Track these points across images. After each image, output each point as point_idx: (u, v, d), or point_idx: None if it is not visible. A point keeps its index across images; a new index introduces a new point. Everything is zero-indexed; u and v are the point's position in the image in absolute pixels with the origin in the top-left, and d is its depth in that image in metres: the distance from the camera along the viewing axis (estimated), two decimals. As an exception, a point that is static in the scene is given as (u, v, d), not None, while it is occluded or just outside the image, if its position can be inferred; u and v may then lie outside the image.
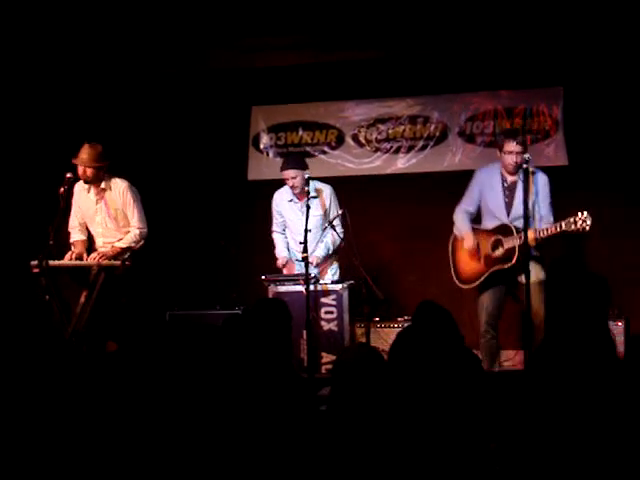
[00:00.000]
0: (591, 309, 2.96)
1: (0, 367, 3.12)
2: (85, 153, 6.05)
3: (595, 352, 2.89)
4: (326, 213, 6.36)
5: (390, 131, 7.86)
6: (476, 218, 6.03)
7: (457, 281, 6.02)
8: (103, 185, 6.17)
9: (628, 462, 2.58)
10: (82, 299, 5.87)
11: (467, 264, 5.94)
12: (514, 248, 5.60)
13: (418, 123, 7.80)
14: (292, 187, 6.32)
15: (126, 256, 6.08)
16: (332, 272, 6.47)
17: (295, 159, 6.46)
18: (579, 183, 6.83)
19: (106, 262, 5.95)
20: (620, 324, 6.12)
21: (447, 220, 7.12)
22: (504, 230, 5.70)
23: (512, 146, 5.69)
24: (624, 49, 7.03)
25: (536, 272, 5.54)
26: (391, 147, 7.86)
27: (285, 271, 6.48)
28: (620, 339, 5.97)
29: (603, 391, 2.74)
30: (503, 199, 5.77)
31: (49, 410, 3.01)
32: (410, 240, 7.65)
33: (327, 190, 6.41)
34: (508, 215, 5.75)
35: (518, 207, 5.62)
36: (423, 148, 7.77)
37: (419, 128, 7.80)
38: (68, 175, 5.97)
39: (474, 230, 5.92)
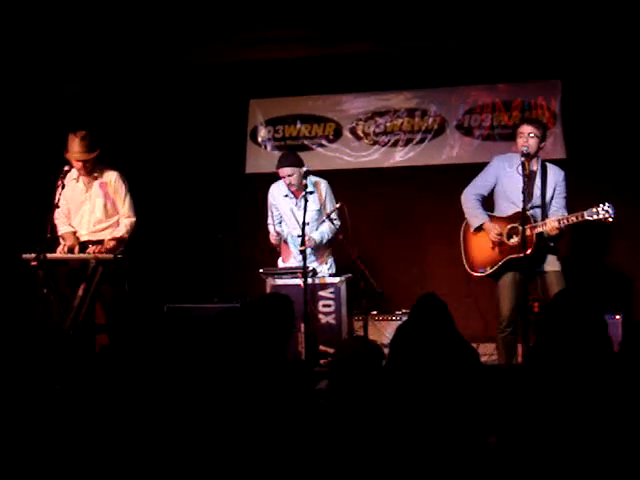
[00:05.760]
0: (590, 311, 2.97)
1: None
2: (77, 145, 5.94)
3: (592, 346, 2.89)
4: (322, 207, 6.35)
5: (388, 124, 7.85)
6: (487, 204, 5.95)
7: (468, 268, 5.93)
8: (95, 173, 6.12)
9: (625, 457, 2.58)
10: (80, 292, 5.86)
11: (480, 251, 5.85)
12: (531, 236, 5.56)
13: (416, 116, 7.80)
14: (289, 185, 6.31)
15: (121, 249, 6.06)
16: (328, 266, 6.47)
17: (291, 156, 6.37)
18: (577, 176, 6.82)
19: (103, 255, 5.93)
20: (618, 317, 6.12)
21: (445, 213, 7.13)
22: (520, 218, 5.51)
23: (523, 127, 5.70)
24: (622, 42, 7.03)
25: (552, 263, 5.65)
26: (389, 140, 7.85)
27: (281, 261, 6.47)
28: (617, 332, 5.98)
29: (600, 385, 2.75)
30: (522, 186, 5.69)
31: (47, 403, 3.01)
32: (408, 233, 7.66)
33: (323, 184, 6.41)
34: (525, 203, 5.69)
35: (536, 196, 5.67)
36: (421, 141, 7.77)
37: (417, 121, 7.79)
38: (66, 168, 5.90)
39: (490, 217, 5.84)
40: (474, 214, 5.89)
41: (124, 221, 6.14)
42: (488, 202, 5.96)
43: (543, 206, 5.68)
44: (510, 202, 5.72)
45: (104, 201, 6.11)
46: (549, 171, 5.77)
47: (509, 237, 5.69)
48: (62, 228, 6.17)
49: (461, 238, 6.01)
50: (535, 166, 5.76)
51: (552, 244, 5.69)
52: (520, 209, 5.44)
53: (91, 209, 6.14)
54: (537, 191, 5.71)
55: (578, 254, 7.06)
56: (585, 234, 6.97)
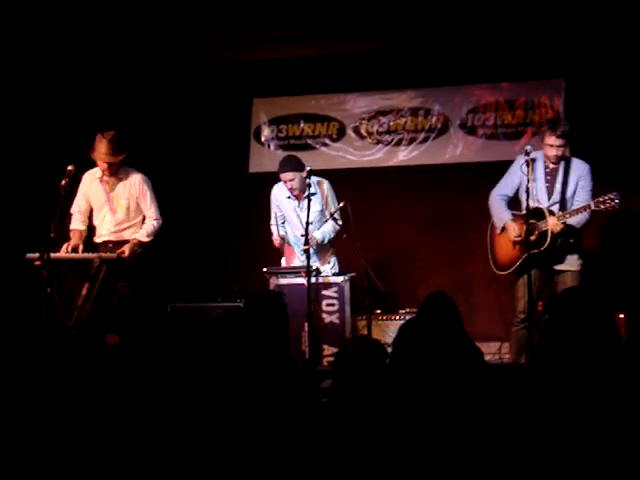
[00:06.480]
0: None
1: (2, 360, 3.12)
2: (104, 147, 5.93)
3: (597, 346, 2.89)
4: (324, 207, 6.35)
5: (391, 123, 7.85)
6: (513, 203, 5.99)
7: (495, 268, 6.02)
8: (120, 175, 6.11)
9: (630, 456, 2.58)
10: (84, 291, 5.86)
11: (504, 250, 5.93)
12: (546, 232, 5.61)
13: (419, 115, 7.79)
14: (291, 189, 6.30)
15: (140, 250, 6.07)
16: (331, 265, 6.46)
17: (291, 161, 6.33)
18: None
19: (106, 255, 5.92)
20: (621, 316, 6.11)
21: (448, 212, 7.14)
22: (537, 214, 5.67)
23: (552, 140, 5.71)
24: (625, 40, 7.02)
25: (570, 262, 5.71)
26: (392, 139, 7.85)
27: (284, 260, 6.47)
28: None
29: (605, 383, 2.74)
30: (544, 184, 5.75)
31: (51, 403, 3.01)
32: (411, 232, 7.65)
33: (325, 184, 6.41)
34: (549, 199, 5.76)
35: (558, 192, 5.73)
36: (424, 140, 7.77)
37: (420, 120, 7.79)
38: (69, 168, 5.87)
39: (513, 216, 5.90)
40: (498, 215, 5.97)
41: (152, 222, 6.17)
42: (515, 201, 6.00)
43: (562, 201, 5.72)
44: (535, 201, 5.75)
45: (127, 203, 6.11)
46: (572, 165, 5.81)
47: (528, 233, 5.71)
48: (74, 224, 6.19)
49: (488, 238, 6.07)
50: (558, 164, 5.80)
51: (572, 240, 5.71)
52: (542, 205, 5.62)
53: (112, 210, 6.13)
54: (559, 186, 5.76)
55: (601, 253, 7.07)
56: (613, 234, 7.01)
